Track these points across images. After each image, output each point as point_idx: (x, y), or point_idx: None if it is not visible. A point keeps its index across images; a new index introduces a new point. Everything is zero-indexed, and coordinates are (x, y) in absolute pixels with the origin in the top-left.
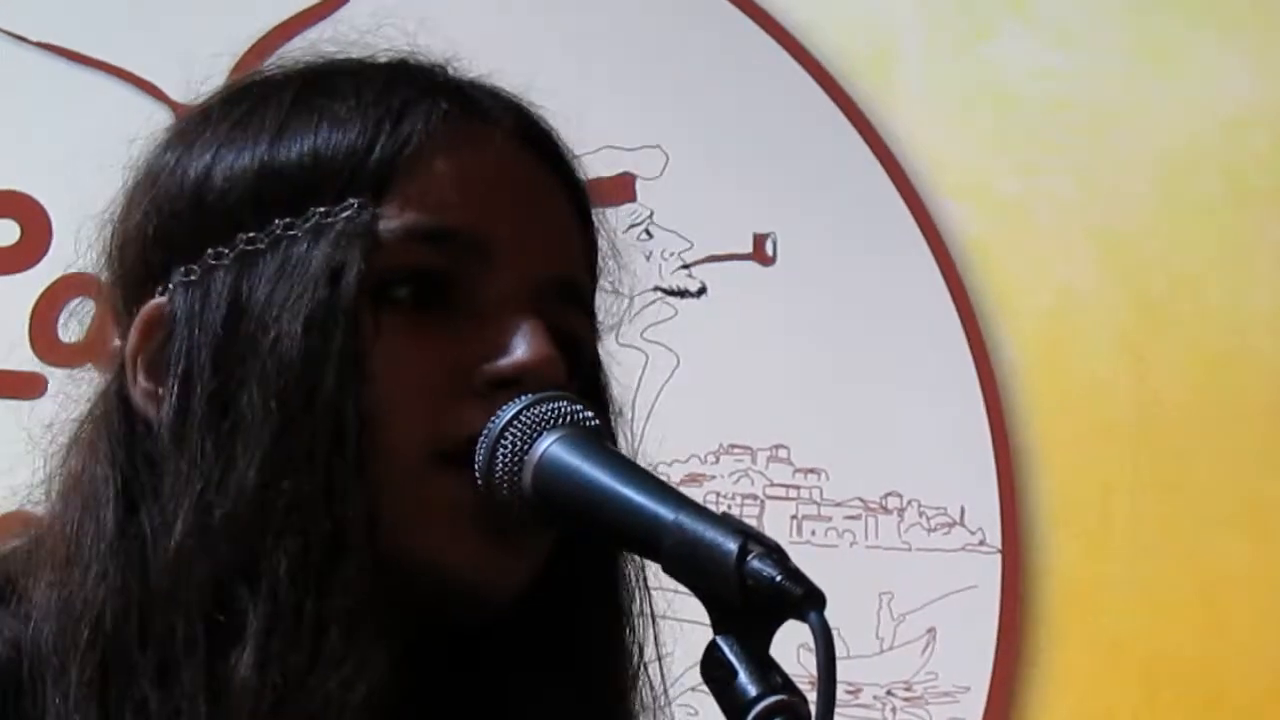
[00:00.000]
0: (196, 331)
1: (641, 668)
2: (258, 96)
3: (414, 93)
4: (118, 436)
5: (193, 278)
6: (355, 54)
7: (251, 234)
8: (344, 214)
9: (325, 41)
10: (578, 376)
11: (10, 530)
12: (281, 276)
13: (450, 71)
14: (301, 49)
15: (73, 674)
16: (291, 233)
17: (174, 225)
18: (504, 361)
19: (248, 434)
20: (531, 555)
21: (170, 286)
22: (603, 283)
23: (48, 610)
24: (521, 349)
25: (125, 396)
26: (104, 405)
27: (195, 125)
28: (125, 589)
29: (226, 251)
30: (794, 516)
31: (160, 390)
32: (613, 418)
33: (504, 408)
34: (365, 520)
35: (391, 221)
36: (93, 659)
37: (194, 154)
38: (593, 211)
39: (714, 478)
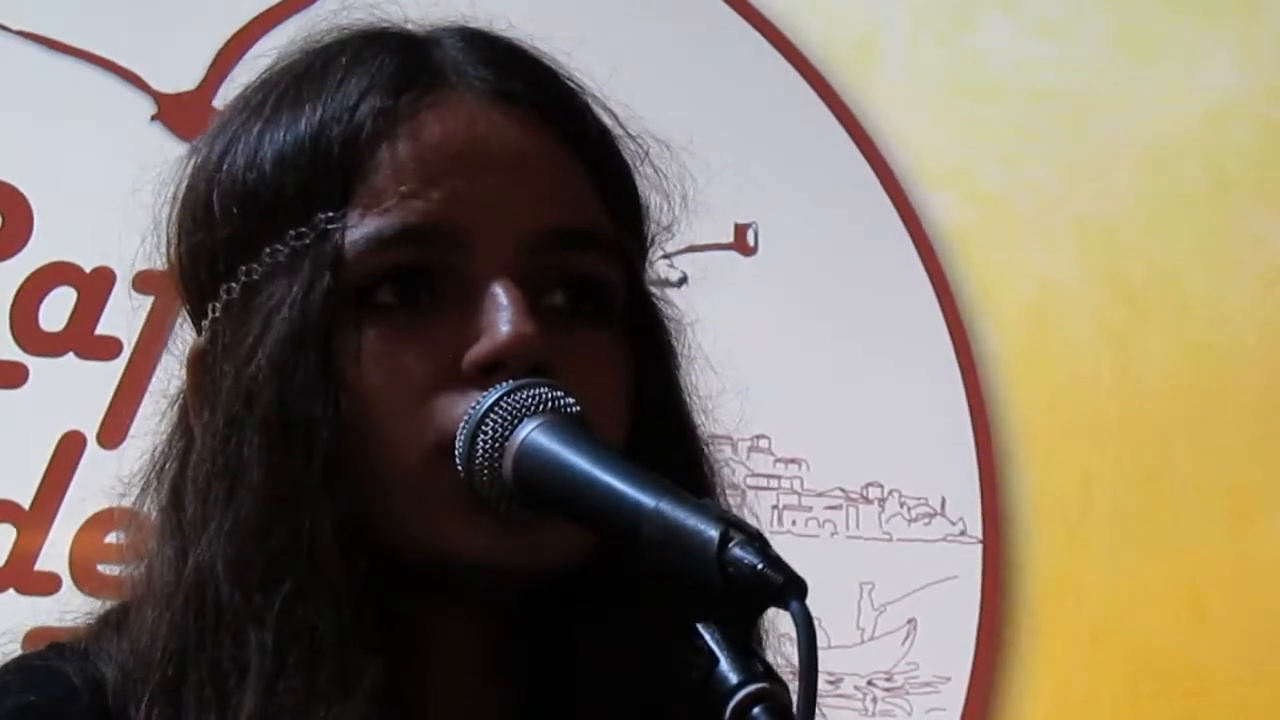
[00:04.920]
0: (209, 376)
1: None
2: (247, 109)
3: (368, 81)
4: (178, 472)
5: (216, 314)
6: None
7: (248, 265)
8: (311, 235)
9: (308, 25)
10: (609, 317)
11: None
12: (258, 313)
13: (417, 36)
14: (287, 37)
15: (143, 710)
16: (277, 259)
17: (198, 263)
18: (480, 347)
19: (247, 475)
20: (559, 532)
21: (205, 324)
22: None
23: (135, 641)
24: (497, 330)
25: (190, 433)
26: (177, 441)
27: (205, 144)
28: (181, 629)
29: (235, 286)
30: (775, 506)
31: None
32: (670, 348)
33: (484, 395)
34: (364, 537)
35: (355, 232)
36: (155, 696)
37: (201, 178)
38: (614, 139)
39: None
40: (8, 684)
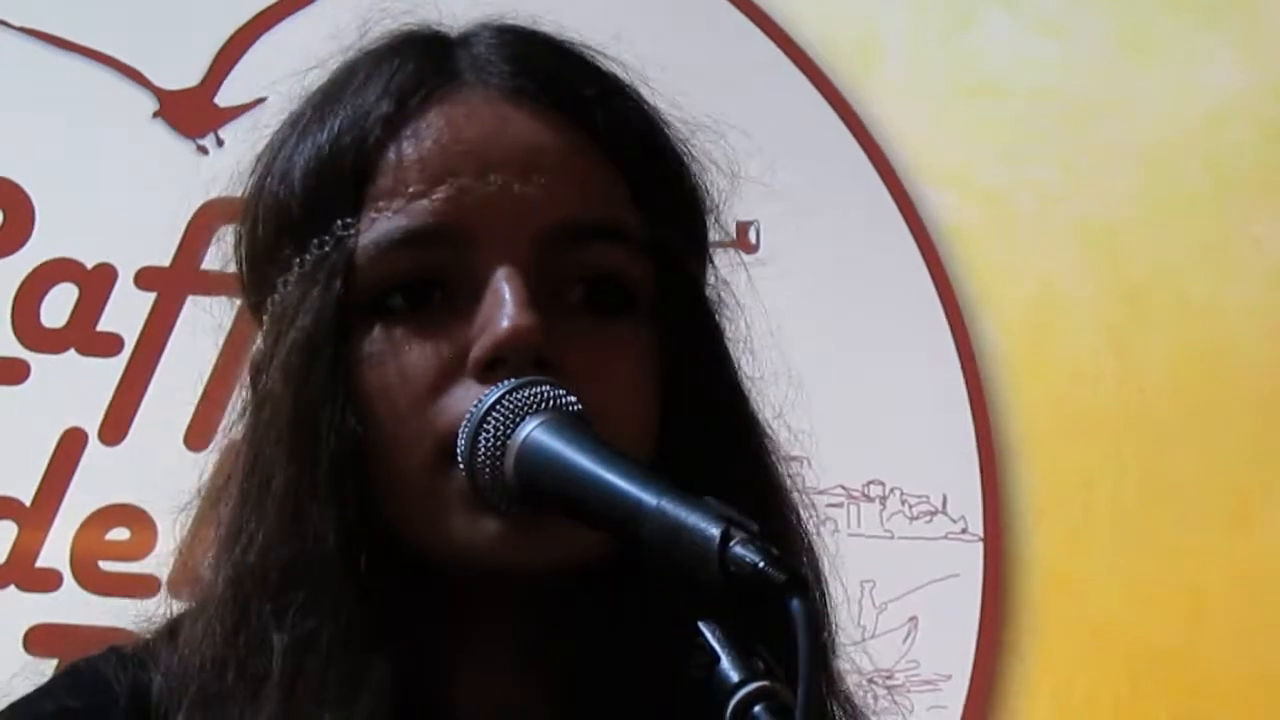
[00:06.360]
0: (249, 388)
1: None
2: (287, 125)
3: (382, 87)
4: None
5: (265, 327)
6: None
7: (284, 277)
8: (330, 243)
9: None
10: (633, 310)
11: None
12: (279, 323)
13: (445, 37)
14: (288, 35)
15: (182, 718)
16: (303, 270)
17: (250, 279)
18: (480, 343)
19: (271, 483)
20: (562, 530)
21: (258, 340)
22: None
23: (182, 650)
24: (495, 325)
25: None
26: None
27: (256, 164)
28: (217, 639)
29: (276, 299)
30: None
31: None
32: (713, 339)
33: (485, 394)
34: (374, 539)
35: (365, 237)
36: (195, 704)
37: (251, 198)
38: (655, 132)
39: None
40: (54, 689)
